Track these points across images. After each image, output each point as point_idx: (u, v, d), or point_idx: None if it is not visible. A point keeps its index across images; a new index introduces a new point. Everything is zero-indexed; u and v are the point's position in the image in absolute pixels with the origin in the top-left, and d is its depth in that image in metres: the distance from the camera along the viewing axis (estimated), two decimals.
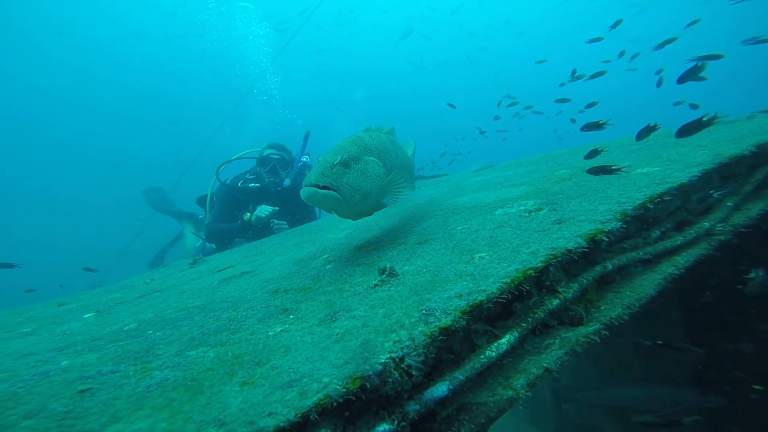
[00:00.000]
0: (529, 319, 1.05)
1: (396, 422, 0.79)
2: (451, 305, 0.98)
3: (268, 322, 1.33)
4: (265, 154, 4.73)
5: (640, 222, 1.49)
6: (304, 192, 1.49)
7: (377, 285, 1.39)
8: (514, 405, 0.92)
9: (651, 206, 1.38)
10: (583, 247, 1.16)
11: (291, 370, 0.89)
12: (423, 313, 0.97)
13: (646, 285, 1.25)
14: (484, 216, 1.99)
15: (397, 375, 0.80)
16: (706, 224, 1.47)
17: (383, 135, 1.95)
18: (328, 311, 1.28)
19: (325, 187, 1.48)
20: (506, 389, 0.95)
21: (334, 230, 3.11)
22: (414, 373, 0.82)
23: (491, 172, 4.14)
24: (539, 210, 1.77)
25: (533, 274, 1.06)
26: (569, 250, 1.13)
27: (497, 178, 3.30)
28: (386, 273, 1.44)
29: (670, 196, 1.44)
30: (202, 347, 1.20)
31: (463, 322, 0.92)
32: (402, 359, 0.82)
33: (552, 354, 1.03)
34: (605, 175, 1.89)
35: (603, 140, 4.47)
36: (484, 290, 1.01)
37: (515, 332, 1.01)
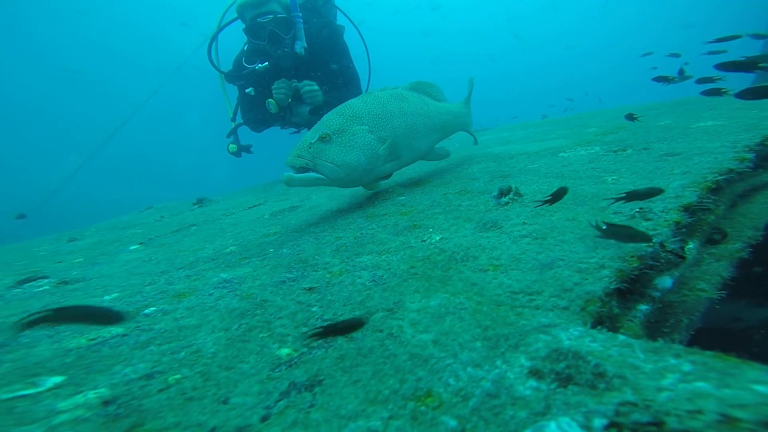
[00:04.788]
0: (701, 229, 1.11)
1: (650, 304, 0.82)
2: (657, 207, 1.00)
3: (407, 235, 1.26)
4: (248, 19, 3.26)
5: None
6: (284, 177, 1.44)
7: (509, 203, 1.37)
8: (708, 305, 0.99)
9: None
10: (749, 167, 1.24)
11: (531, 259, 0.86)
12: (637, 211, 0.98)
13: (757, 211, 1.38)
14: (551, 158, 2.00)
15: (671, 256, 0.81)
16: None
17: (385, 93, 1.77)
18: (475, 225, 1.24)
19: (303, 169, 1.43)
20: (693, 291, 1.01)
21: None
22: (687, 256, 0.84)
23: (495, 133, 4.17)
24: (623, 150, 1.83)
25: (712, 186, 1.13)
26: (731, 170, 1.21)
27: (512, 136, 3.32)
28: (512, 192, 1.42)
29: None
30: (366, 255, 1.12)
31: (690, 220, 0.96)
32: (663, 244, 0.83)
33: (713, 266, 1.11)
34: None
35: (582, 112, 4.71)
36: (680, 196, 1.04)
37: (696, 240, 1.07)
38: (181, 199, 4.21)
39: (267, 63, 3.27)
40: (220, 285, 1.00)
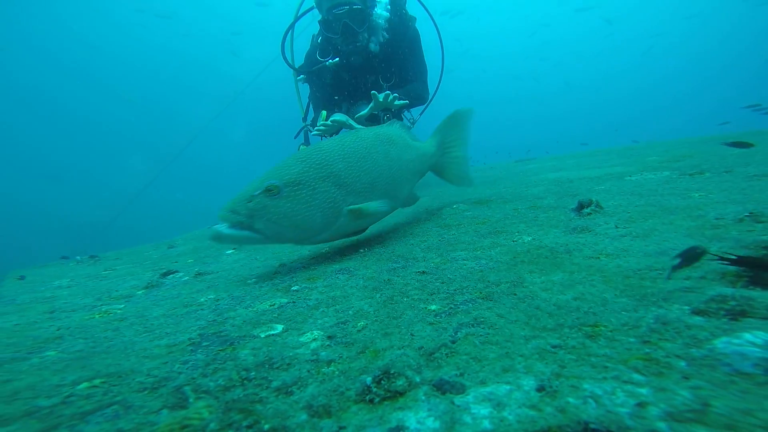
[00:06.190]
0: None
1: None
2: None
3: (494, 237, 1.33)
4: (325, 11, 3.04)
5: None
6: (211, 232, 1.21)
7: (590, 213, 1.42)
8: None
9: None
10: None
11: (640, 250, 0.91)
12: (747, 215, 1.01)
13: None
14: (617, 181, 2.02)
15: None
16: None
17: (369, 133, 1.56)
18: (563, 229, 1.29)
19: (238, 225, 1.19)
20: None
21: None
22: None
23: (541, 162, 4.18)
24: (700, 173, 1.84)
25: None
26: None
27: (563, 164, 3.32)
28: (593, 205, 1.47)
29: None
30: (461, 251, 1.21)
31: None
32: None
33: None
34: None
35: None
36: None
37: None
38: None
39: (337, 59, 3.09)
40: (338, 272, 1.12)
